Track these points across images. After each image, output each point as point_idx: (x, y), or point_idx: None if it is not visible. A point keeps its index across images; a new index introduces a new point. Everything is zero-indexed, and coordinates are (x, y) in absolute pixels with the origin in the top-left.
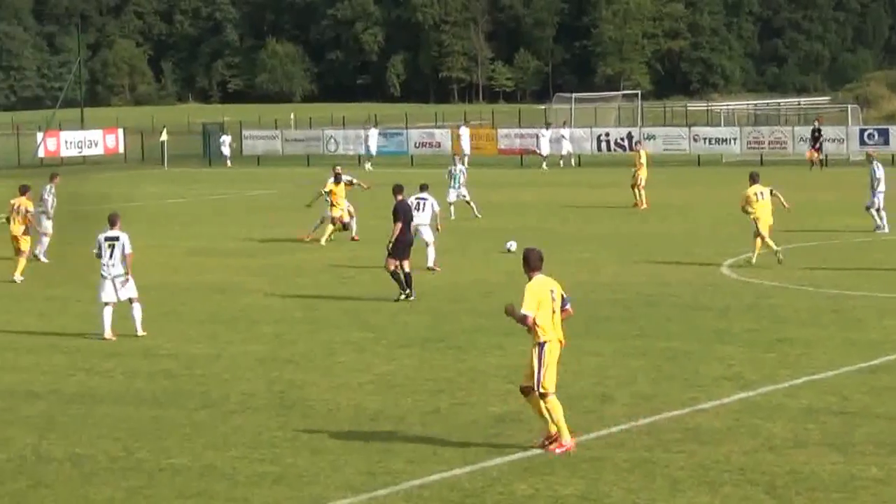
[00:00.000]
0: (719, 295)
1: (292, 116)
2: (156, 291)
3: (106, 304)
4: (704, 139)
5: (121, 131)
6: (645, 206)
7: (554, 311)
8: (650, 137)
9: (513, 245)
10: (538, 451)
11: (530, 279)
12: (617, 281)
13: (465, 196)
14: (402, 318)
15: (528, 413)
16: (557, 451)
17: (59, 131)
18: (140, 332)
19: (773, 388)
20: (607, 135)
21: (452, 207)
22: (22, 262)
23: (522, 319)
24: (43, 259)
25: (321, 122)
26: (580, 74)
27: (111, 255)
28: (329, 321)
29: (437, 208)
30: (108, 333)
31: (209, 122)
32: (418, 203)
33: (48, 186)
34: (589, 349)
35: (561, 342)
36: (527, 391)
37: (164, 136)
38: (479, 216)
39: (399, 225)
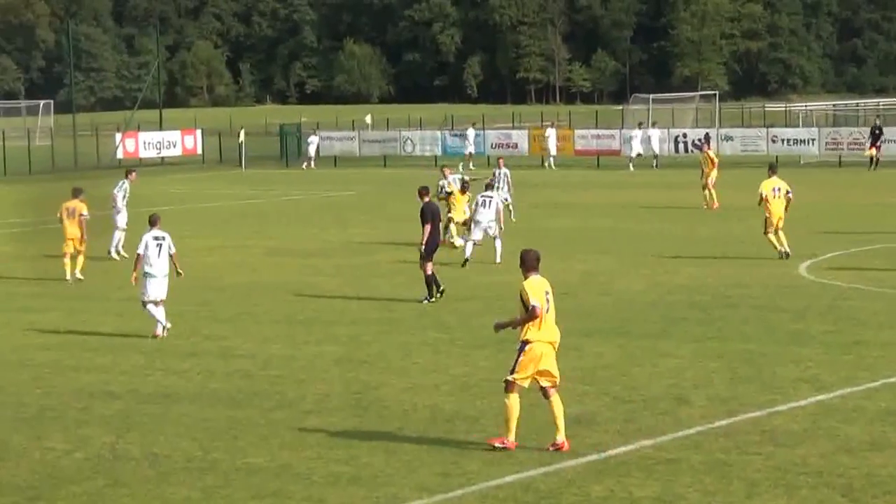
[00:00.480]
0: (797, 297)
1: (369, 119)
2: (232, 291)
3: (151, 301)
4: (782, 140)
5: (199, 132)
6: (717, 205)
7: (547, 311)
8: (728, 138)
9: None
10: (613, 452)
11: (526, 279)
12: (694, 282)
13: (507, 199)
14: (478, 320)
15: (605, 415)
16: (496, 443)
17: (137, 132)
18: (160, 333)
19: (851, 390)
20: (685, 136)
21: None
22: (80, 259)
23: (532, 312)
24: (115, 256)
25: (398, 124)
26: (657, 75)
27: (159, 254)
28: (405, 322)
29: (500, 206)
30: (166, 325)
31: (286, 124)
32: (484, 200)
33: (121, 182)
34: (665, 351)
35: (553, 344)
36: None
37: (241, 138)
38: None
39: (429, 227)
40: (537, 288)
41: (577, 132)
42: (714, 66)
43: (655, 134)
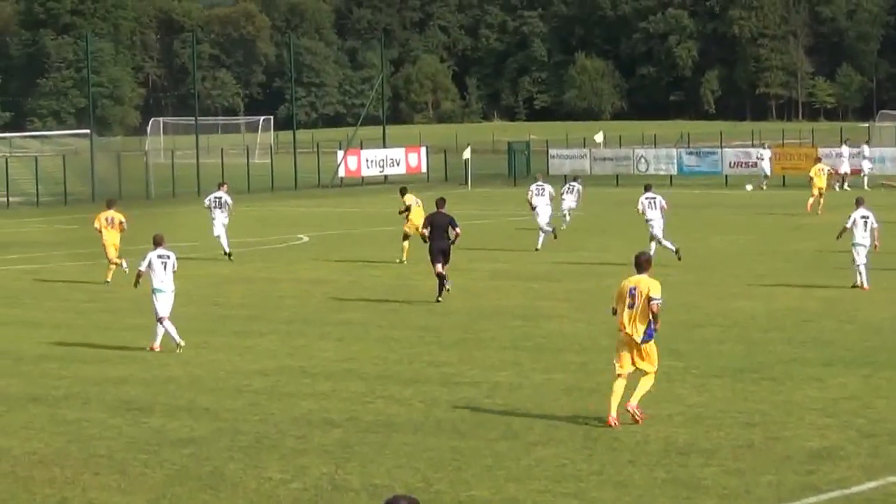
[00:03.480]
0: None
1: (600, 137)
2: (457, 316)
3: (163, 318)
4: None
5: (423, 150)
6: None
7: (629, 307)
8: None
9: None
10: (857, 489)
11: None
12: None
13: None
14: (714, 347)
15: (848, 449)
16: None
17: (360, 150)
18: (158, 347)
19: None
20: None
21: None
22: (113, 267)
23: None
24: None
25: (631, 141)
26: None
27: (165, 271)
28: None
29: (664, 203)
30: (180, 342)
31: (514, 141)
32: (649, 202)
33: (219, 194)
34: None
35: (629, 335)
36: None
37: (467, 155)
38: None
39: (424, 231)
40: (620, 287)
41: (821, 150)
42: None
43: None
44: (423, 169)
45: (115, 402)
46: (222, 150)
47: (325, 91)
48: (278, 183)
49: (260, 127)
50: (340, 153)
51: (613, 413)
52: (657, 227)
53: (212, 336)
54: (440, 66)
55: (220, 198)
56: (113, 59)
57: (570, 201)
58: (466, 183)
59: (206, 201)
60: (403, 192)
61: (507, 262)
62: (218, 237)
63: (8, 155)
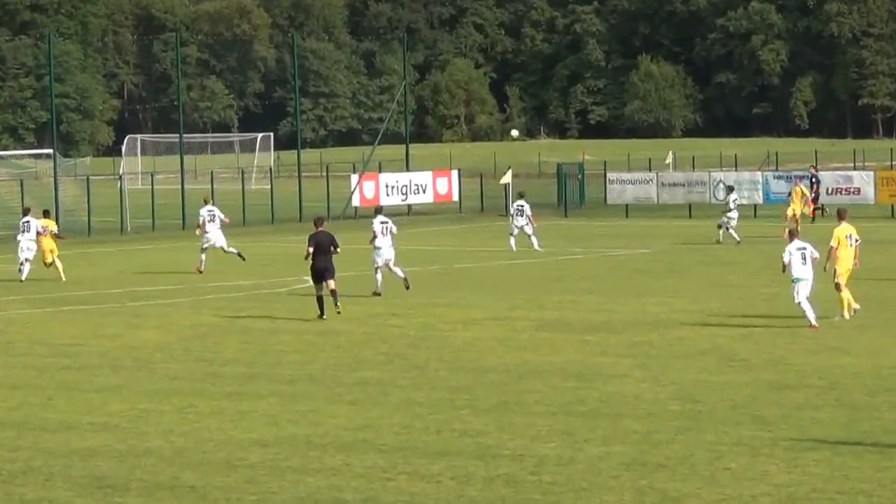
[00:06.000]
0: None
1: (670, 158)
2: (495, 375)
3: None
4: None
5: (455, 173)
6: None
7: None
8: None
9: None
10: None
11: None
12: None
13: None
14: (808, 414)
15: None
16: None
17: (378, 174)
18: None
19: None
20: None
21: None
22: None
23: None
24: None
25: (707, 163)
26: None
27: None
28: (713, 416)
29: (395, 230)
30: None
31: (566, 163)
32: (382, 227)
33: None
34: None
35: None
36: None
37: (507, 179)
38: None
39: (310, 249)
40: None
41: None
42: None
43: None
44: (455, 196)
45: (83, 478)
46: (212, 173)
47: (336, 103)
48: (280, 213)
49: (258, 146)
50: (354, 178)
51: None
52: (386, 255)
53: (199, 398)
54: (475, 72)
55: (29, 222)
56: (81, 65)
57: (521, 222)
58: (507, 213)
59: (28, 224)
60: (46, 214)
61: (557, 310)
62: (26, 261)
63: None
